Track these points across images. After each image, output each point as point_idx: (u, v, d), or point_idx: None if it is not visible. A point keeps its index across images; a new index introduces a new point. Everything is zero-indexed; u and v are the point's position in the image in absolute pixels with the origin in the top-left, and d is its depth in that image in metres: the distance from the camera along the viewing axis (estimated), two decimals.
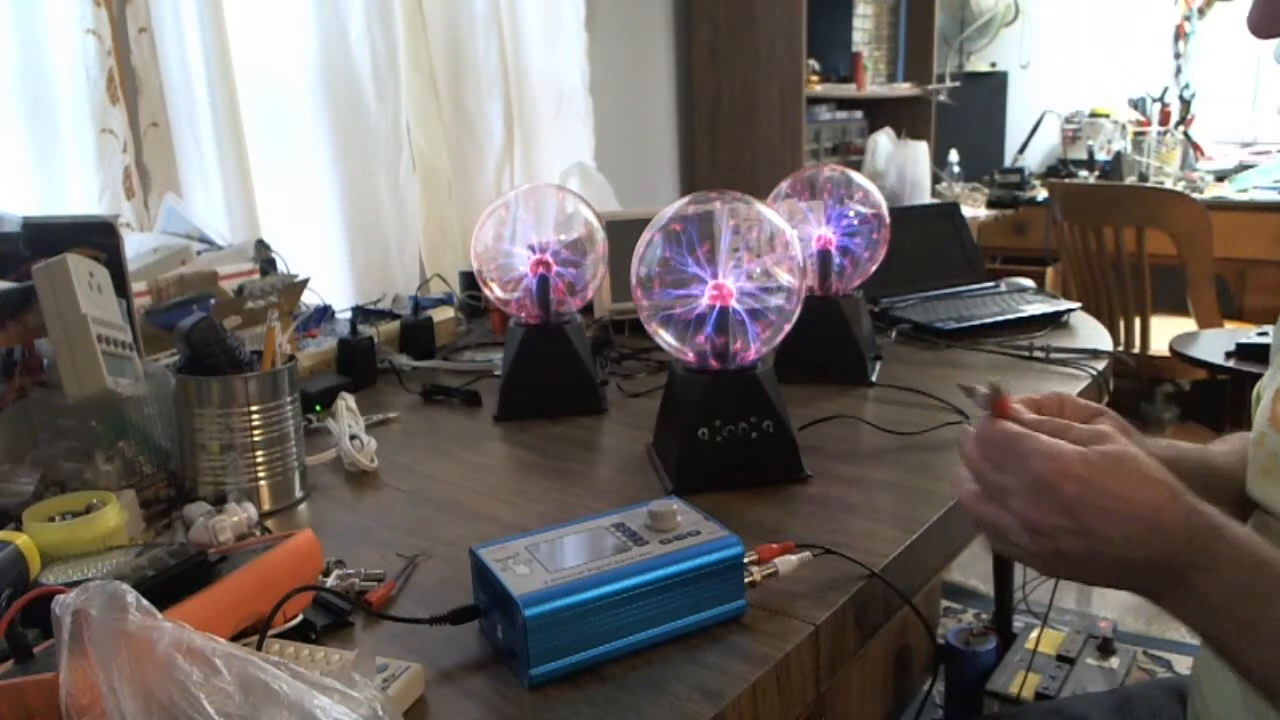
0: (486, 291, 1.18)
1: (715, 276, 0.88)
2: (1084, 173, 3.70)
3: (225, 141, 1.65)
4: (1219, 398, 2.82)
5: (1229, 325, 2.71)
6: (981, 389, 0.63)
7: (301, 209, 1.85)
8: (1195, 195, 3.02)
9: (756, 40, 2.75)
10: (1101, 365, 1.26)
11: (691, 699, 0.59)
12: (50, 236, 0.95)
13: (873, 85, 3.27)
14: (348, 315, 1.50)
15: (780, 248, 0.89)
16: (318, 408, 1.15)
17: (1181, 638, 2.27)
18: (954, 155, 3.68)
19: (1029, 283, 1.70)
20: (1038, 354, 1.31)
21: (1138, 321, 2.73)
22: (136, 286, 1.15)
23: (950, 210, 1.79)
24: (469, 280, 1.68)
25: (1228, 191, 3.33)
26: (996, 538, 0.63)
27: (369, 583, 0.74)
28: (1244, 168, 3.48)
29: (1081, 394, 1.17)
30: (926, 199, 3.23)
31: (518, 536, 0.68)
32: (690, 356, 0.92)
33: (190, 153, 1.64)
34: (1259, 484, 0.75)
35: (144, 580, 0.63)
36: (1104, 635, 1.92)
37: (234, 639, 0.60)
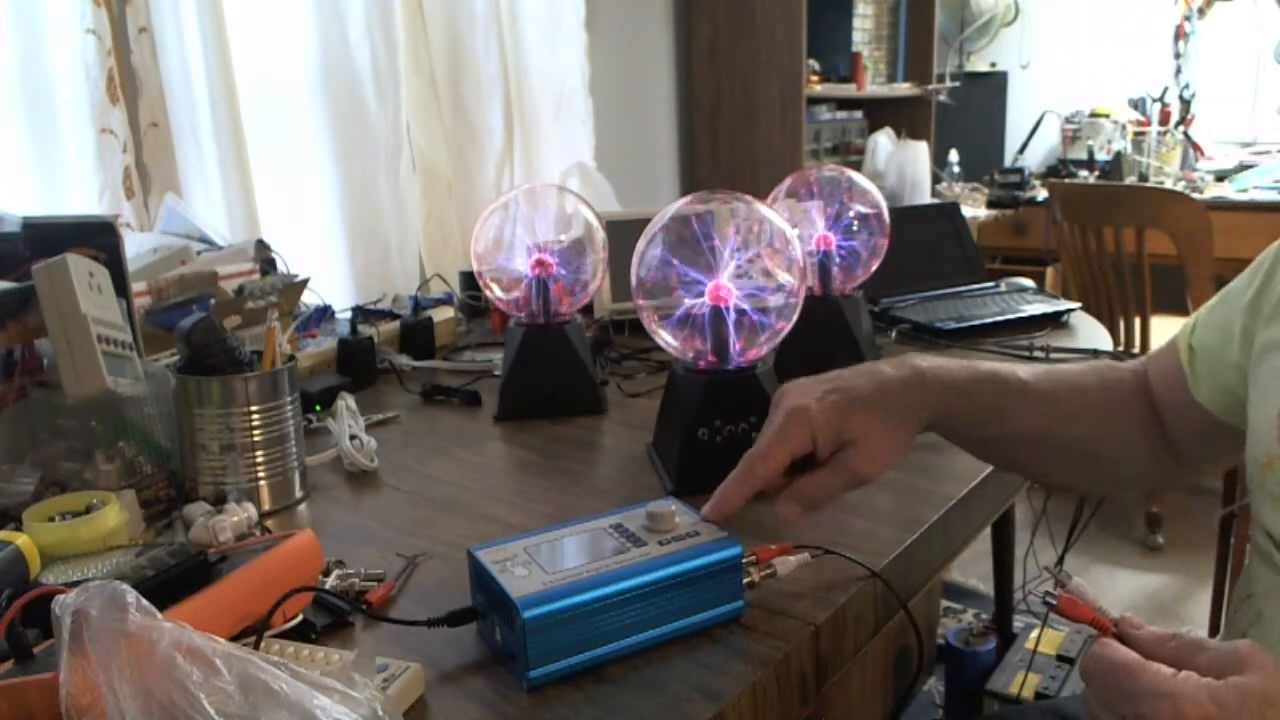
0: (486, 291, 1.18)
1: (715, 276, 0.88)
2: (1084, 173, 3.69)
3: (225, 141, 1.65)
4: None
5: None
6: (1052, 591, 0.54)
7: (301, 209, 1.85)
8: (1195, 195, 3.02)
9: (756, 40, 2.75)
10: None
11: (691, 699, 0.59)
12: (50, 236, 0.95)
13: (873, 85, 3.27)
14: (348, 315, 1.50)
15: (780, 248, 0.89)
16: (318, 408, 1.15)
17: None
18: (954, 155, 3.68)
19: (1029, 283, 1.70)
20: (1038, 354, 1.31)
21: (1138, 321, 2.72)
22: (136, 286, 1.15)
23: (950, 210, 1.79)
24: (469, 280, 1.68)
25: (1228, 191, 3.33)
26: None
27: (369, 583, 0.74)
28: (1244, 168, 3.47)
29: None
30: (926, 199, 3.23)
31: (516, 538, 0.68)
32: (690, 356, 0.92)
33: (190, 153, 1.64)
34: (1273, 514, 0.68)
35: (144, 580, 0.63)
36: None
37: (234, 639, 0.60)
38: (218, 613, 0.62)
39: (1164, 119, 3.68)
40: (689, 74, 2.88)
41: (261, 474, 0.90)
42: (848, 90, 3.12)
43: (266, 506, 0.91)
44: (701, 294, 0.88)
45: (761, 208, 0.91)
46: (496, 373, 1.28)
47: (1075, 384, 0.83)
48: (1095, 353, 1.30)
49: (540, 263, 1.14)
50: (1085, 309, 1.58)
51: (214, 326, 0.90)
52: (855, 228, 1.24)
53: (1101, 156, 3.72)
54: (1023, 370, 0.81)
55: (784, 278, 0.89)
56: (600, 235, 1.16)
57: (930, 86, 3.44)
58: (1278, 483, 0.67)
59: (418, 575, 0.77)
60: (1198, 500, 2.81)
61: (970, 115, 3.79)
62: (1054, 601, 0.56)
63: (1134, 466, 0.85)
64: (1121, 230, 2.66)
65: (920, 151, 3.23)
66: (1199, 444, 0.81)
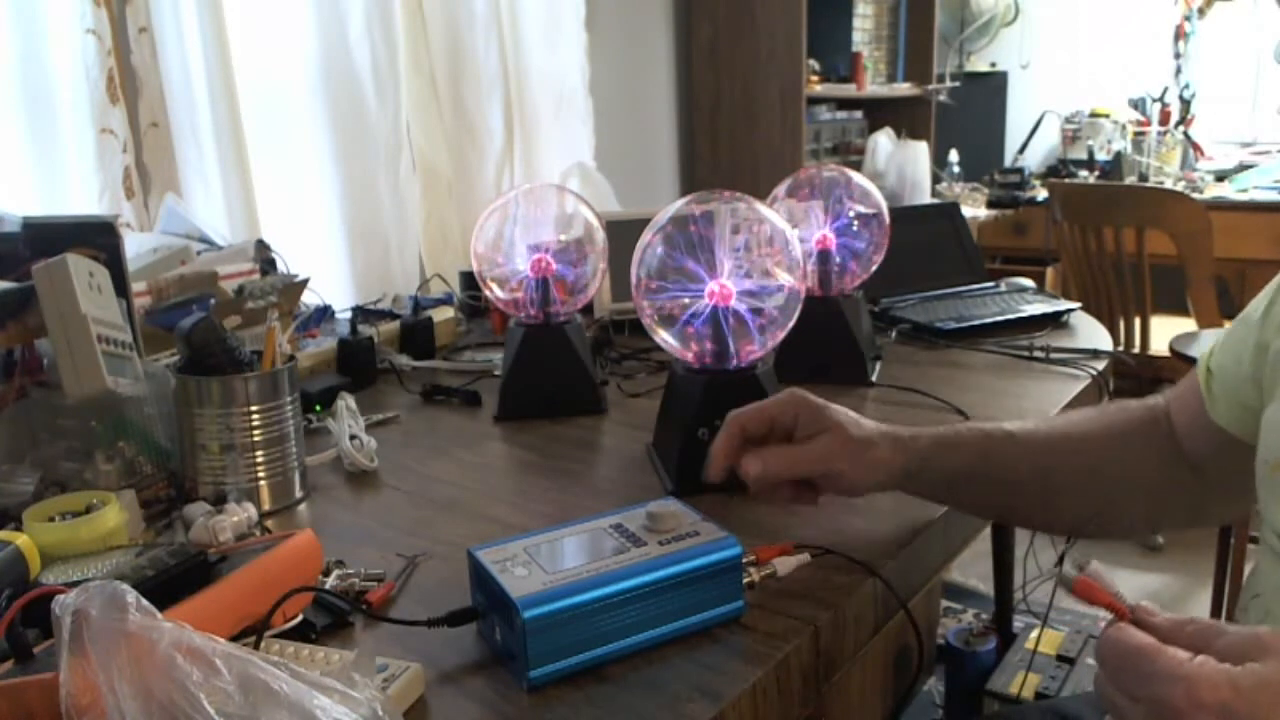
0: (486, 291, 1.18)
1: (715, 276, 0.88)
2: (1084, 173, 3.69)
3: (225, 141, 1.65)
4: None
5: (1229, 325, 2.70)
6: (1071, 570, 0.53)
7: (301, 209, 1.85)
8: (1195, 195, 3.02)
9: (756, 40, 2.75)
10: (1101, 365, 1.26)
11: (691, 699, 0.59)
12: (50, 236, 0.95)
13: (873, 85, 3.27)
14: (348, 315, 1.50)
15: (780, 248, 0.89)
16: (318, 408, 1.15)
17: None
18: (954, 155, 3.68)
19: (1029, 283, 1.70)
20: (1038, 354, 1.31)
21: (1138, 321, 2.73)
22: (136, 286, 1.15)
23: (950, 210, 1.79)
24: (469, 280, 1.68)
25: (1228, 191, 3.33)
26: None
27: (369, 583, 0.74)
28: (1244, 168, 3.48)
29: (1081, 394, 1.17)
30: (926, 199, 3.23)
31: (516, 538, 0.68)
32: (690, 356, 0.92)
33: (190, 153, 1.64)
34: None
35: (144, 580, 0.63)
36: None
37: (234, 639, 0.60)
38: (218, 613, 0.62)
39: (1164, 119, 3.68)
40: (689, 74, 2.88)
41: (261, 474, 0.90)
42: (848, 90, 3.12)
43: (266, 506, 0.91)
44: (701, 294, 0.88)
45: (761, 208, 0.91)
46: (496, 373, 1.28)
47: (1073, 425, 0.83)
48: (1095, 353, 1.30)
49: (540, 263, 1.14)
50: (1085, 309, 1.58)
51: (214, 326, 0.90)
52: (855, 228, 1.24)
53: (1101, 156, 3.72)
54: (1010, 423, 0.82)
55: (784, 278, 0.89)
56: (600, 235, 1.16)
57: (930, 86, 3.44)
58: None
59: (418, 575, 0.77)
60: None
61: (970, 115, 3.79)
62: (1069, 580, 0.55)
63: (1150, 498, 0.84)
64: (1121, 230, 2.66)
65: (920, 151, 3.23)
66: (1220, 465, 0.81)
